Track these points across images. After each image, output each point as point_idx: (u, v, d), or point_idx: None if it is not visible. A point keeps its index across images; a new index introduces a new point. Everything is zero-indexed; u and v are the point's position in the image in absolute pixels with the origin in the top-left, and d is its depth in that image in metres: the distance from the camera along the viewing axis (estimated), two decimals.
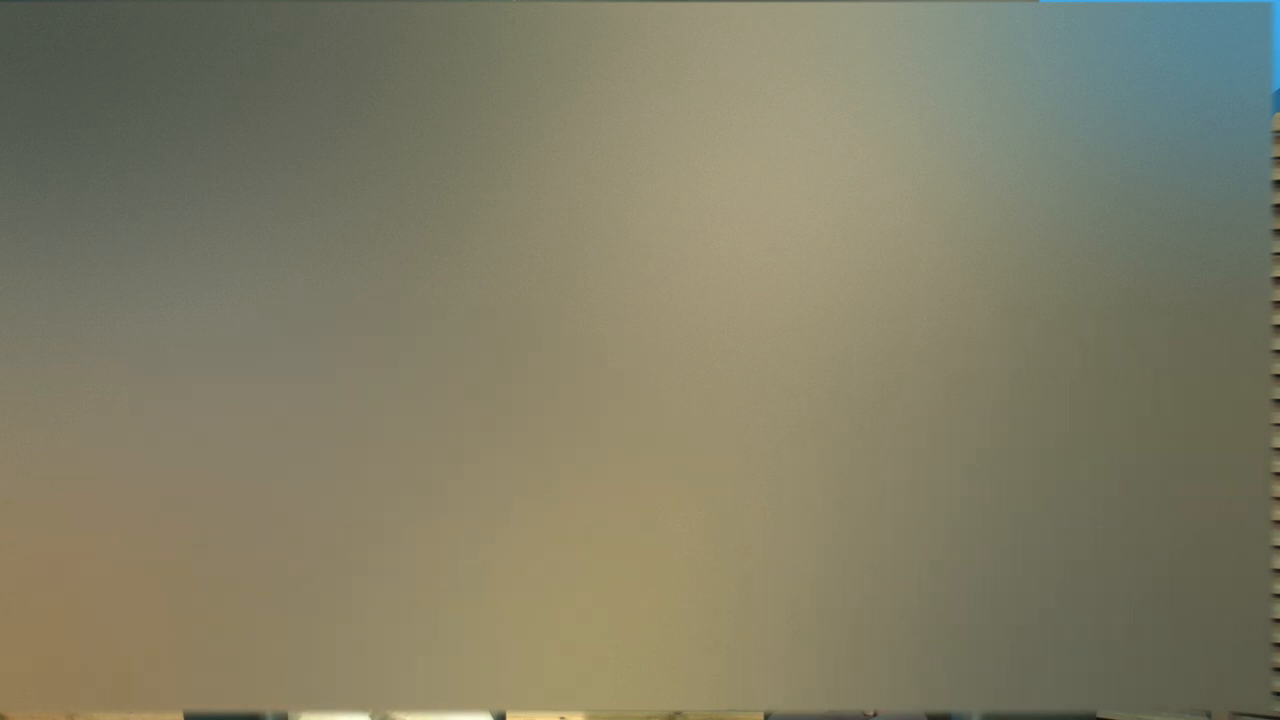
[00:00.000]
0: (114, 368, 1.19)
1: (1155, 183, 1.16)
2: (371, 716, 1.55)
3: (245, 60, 1.17)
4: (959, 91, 1.16)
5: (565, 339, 1.17)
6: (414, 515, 1.19)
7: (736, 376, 1.17)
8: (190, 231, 1.18)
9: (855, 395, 1.17)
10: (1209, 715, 1.67)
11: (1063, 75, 1.16)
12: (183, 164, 1.18)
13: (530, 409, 1.18)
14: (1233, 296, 1.16)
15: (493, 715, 1.58)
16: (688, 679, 1.19)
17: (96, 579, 1.20)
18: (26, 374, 1.19)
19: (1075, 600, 1.18)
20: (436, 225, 1.17)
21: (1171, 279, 1.16)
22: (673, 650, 1.19)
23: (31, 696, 1.21)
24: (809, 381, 1.17)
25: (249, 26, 1.17)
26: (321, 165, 1.18)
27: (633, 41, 1.16)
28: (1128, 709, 1.24)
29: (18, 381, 1.19)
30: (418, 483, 1.18)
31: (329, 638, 1.20)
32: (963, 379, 1.17)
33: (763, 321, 1.17)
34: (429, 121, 1.17)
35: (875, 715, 1.51)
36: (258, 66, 1.17)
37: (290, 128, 1.18)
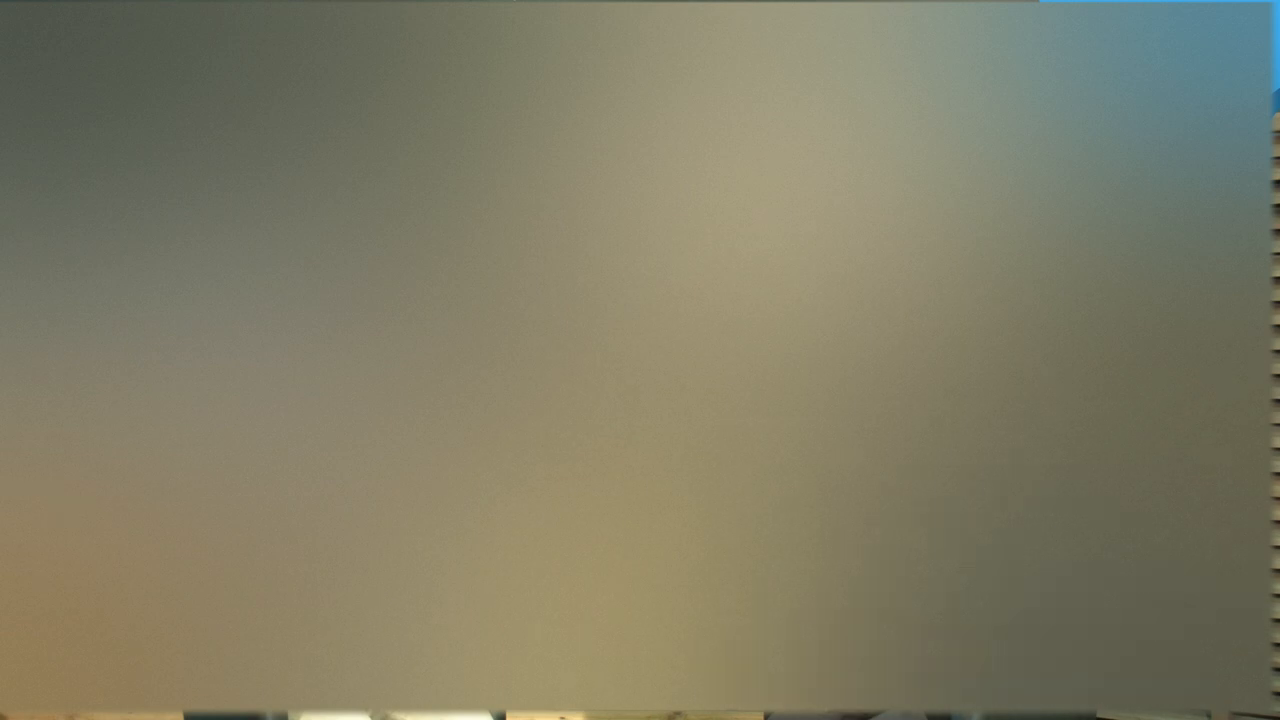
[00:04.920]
0: (113, 367, 1.19)
1: (1155, 183, 1.16)
2: (371, 716, 1.55)
3: (245, 60, 1.17)
4: (959, 91, 1.16)
5: (566, 338, 1.17)
6: (414, 515, 1.19)
7: (736, 376, 1.17)
8: (190, 231, 1.18)
9: (854, 395, 1.17)
10: (1209, 715, 1.67)
11: (1063, 75, 1.16)
12: (182, 163, 1.18)
13: (530, 408, 1.18)
14: (1233, 296, 1.16)
15: (493, 715, 1.58)
16: (688, 679, 1.19)
17: (96, 579, 1.20)
18: (26, 373, 1.19)
19: (1075, 600, 1.18)
20: (436, 225, 1.17)
21: (1171, 279, 1.16)
22: (673, 650, 1.19)
23: (31, 696, 1.21)
24: (809, 381, 1.17)
25: (249, 26, 1.17)
26: (321, 165, 1.18)
27: (633, 41, 1.16)
28: (1128, 709, 1.24)
29: (17, 380, 1.19)
30: (418, 482, 1.18)
31: (329, 638, 1.20)
32: (962, 379, 1.17)
33: (762, 320, 1.17)
34: (428, 121, 1.17)
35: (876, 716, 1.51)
36: (258, 66, 1.17)
37: (290, 127, 1.18)
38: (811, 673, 1.19)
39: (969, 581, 1.18)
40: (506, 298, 1.17)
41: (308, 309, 1.18)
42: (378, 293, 1.18)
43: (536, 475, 1.18)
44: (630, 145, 1.17)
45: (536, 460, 1.18)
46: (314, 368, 1.18)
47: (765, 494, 1.18)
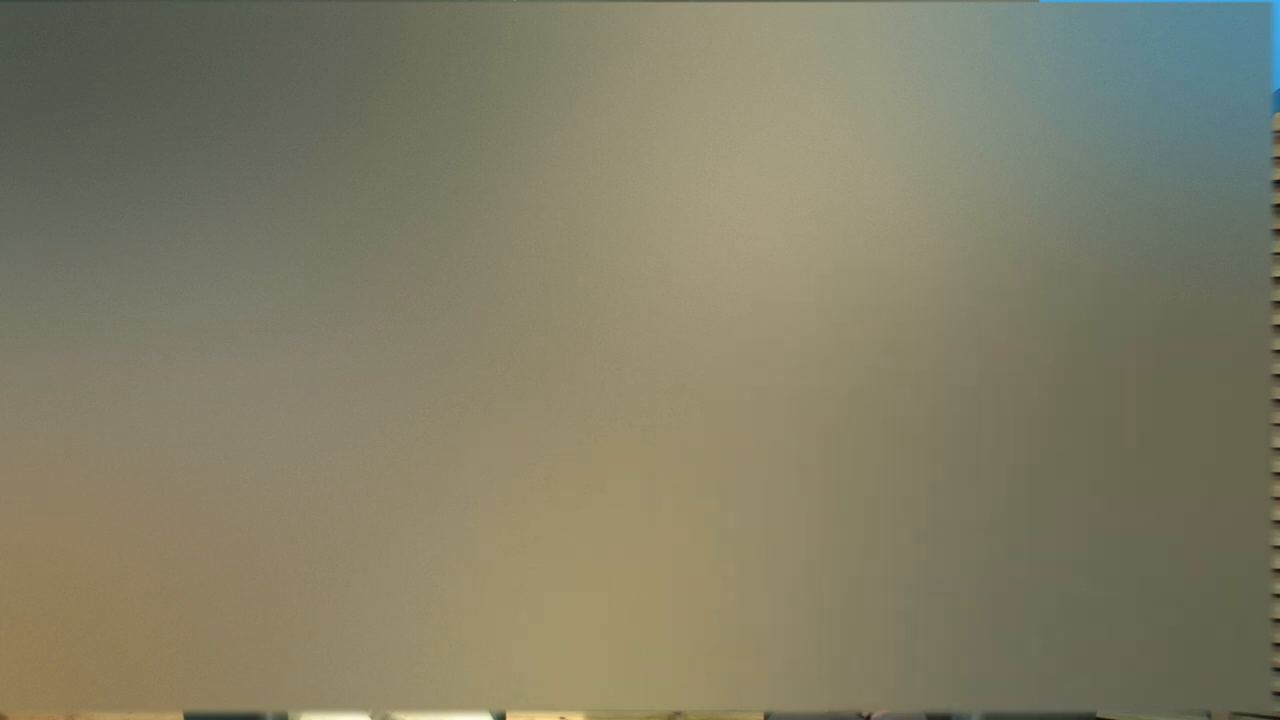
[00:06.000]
0: (113, 367, 1.19)
1: (1155, 183, 1.16)
2: (371, 716, 1.55)
3: (245, 60, 1.17)
4: (959, 91, 1.16)
5: (566, 338, 1.17)
6: (414, 515, 1.19)
7: (737, 376, 1.17)
8: (190, 231, 1.18)
9: (854, 394, 1.17)
10: (1209, 715, 1.67)
11: (1063, 75, 1.16)
12: (182, 163, 1.18)
13: (530, 409, 1.18)
14: (1233, 296, 1.16)
15: (493, 715, 1.58)
16: (688, 679, 1.19)
17: (96, 579, 1.20)
18: (26, 373, 1.19)
19: (1075, 600, 1.18)
20: (436, 225, 1.17)
21: (1171, 279, 1.16)
22: (673, 650, 1.19)
23: (31, 696, 1.21)
24: (808, 381, 1.17)
25: (249, 26, 1.17)
26: (321, 165, 1.18)
27: (633, 41, 1.16)
28: (1128, 709, 1.24)
29: (17, 380, 1.19)
30: (418, 482, 1.18)
31: (329, 638, 1.20)
32: (961, 379, 1.17)
33: (762, 320, 1.17)
34: (428, 121, 1.17)
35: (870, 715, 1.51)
36: (258, 66, 1.17)
37: (290, 127, 1.18)
38: (811, 673, 1.19)
39: (969, 581, 1.18)
40: (506, 298, 1.17)
41: (308, 309, 1.18)
42: (378, 293, 1.18)
43: (536, 475, 1.18)
44: (630, 145, 1.17)
45: (536, 460, 1.18)
46: (314, 368, 1.18)
47: (765, 494, 1.18)
